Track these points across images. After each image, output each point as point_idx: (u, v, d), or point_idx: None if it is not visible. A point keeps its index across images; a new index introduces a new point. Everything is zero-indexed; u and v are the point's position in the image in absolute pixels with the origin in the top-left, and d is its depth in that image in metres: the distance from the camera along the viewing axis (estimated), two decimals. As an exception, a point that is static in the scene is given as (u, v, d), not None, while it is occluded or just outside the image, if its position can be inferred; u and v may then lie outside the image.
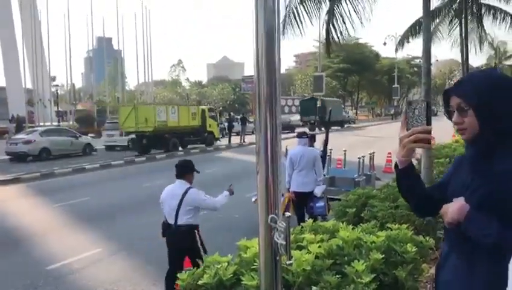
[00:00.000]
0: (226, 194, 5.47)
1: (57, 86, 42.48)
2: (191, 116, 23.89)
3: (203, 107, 28.02)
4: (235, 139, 27.51)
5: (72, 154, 21.38)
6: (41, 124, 38.42)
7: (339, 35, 9.94)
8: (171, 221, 4.92)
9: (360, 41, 64.57)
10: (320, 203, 7.30)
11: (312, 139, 8.05)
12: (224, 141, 28.06)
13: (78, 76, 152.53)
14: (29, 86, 48.15)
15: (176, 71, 77.20)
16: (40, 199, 11.94)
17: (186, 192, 4.88)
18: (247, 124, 28.12)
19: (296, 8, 9.79)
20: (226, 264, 3.07)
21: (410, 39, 15.93)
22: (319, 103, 35.26)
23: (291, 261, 2.38)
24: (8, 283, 5.99)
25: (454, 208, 1.64)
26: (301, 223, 4.63)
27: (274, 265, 2.14)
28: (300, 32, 10.04)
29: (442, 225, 4.91)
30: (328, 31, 9.96)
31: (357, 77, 69.32)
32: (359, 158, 10.81)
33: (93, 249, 7.28)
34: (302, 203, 7.30)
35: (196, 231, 4.96)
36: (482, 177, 1.67)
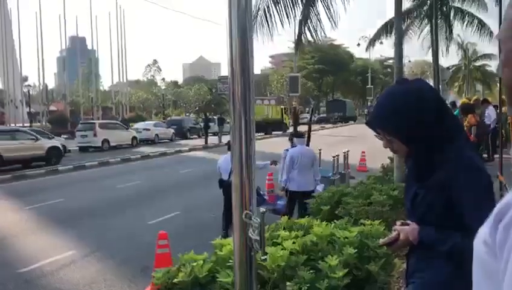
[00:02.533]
0: (267, 162, 7.57)
1: (29, 86, 41.57)
2: (276, 112, 37.45)
3: (282, 106, 40.89)
4: (212, 140, 27.45)
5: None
6: (13, 125, 37.46)
7: (313, 34, 10.05)
8: (226, 177, 7.05)
9: (335, 42, 65.37)
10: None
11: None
12: (200, 141, 27.98)
13: (51, 76, 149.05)
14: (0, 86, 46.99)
15: (151, 71, 76.46)
16: (11, 202, 11.65)
17: None
18: (224, 124, 28.09)
19: (268, 8, 9.79)
20: (202, 262, 3.08)
21: (383, 40, 16.24)
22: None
23: (265, 257, 2.42)
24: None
25: (406, 233, 1.77)
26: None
27: (249, 261, 2.17)
28: (270, 33, 10.03)
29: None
30: (300, 31, 10.04)
31: (331, 78, 70.08)
32: (334, 157, 10.94)
33: (66, 251, 7.14)
34: (296, 201, 7.35)
35: None
36: (425, 187, 1.75)
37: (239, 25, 2.09)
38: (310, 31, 9.63)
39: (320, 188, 7.54)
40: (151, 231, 8.16)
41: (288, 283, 2.75)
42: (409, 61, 72.80)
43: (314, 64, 64.96)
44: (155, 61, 78.88)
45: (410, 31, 16.12)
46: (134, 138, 26.85)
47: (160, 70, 78.84)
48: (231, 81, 2.17)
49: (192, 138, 32.98)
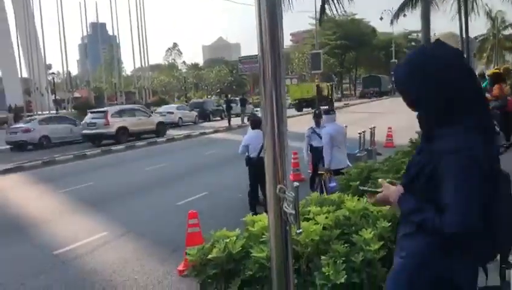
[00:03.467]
0: None
1: (53, 74, 42.16)
2: (326, 89, 39.92)
3: (330, 83, 44.28)
4: (235, 121, 27.49)
5: (73, 142, 21.34)
6: (40, 112, 38.32)
7: (336, 7, 9.95)
8: (255, 155, 7.12)
9: (356, 17, 64.00)
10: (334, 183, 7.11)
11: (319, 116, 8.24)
12: (223, 123, 28.05)
13: (73, 63, 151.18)
14: (25, 75, 47.93)
15: (172, 55, 76.66)
16: (43, 186, 11.99)
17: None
18: (246, 105, 28.05)
19: None
20: (235, 238, 3.09)
21: (407, 12, 15.76)
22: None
23: (300, 231, 2.41)
24: (15, 269, 6.03)
25: (389, 192, 1.84)
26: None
27: (284, 235, 2.16)
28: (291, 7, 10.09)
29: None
30: (323, 3, 9.93)
31: (354, 54, 68.85)
32: (360, 134, 10.81)
33: (99, 232, 7.32)
34: None
35: None
36: (420, 156, 1.79)
37: (268, 1, 2.06)
38: (333, 2, 9.51)
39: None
40: (181, 211, 8.28)
41: (322, 257, 2.74)
42: (434, 34, 70.89)
43: (336, 40, 63.87)
44: (175, 45, 79.16)
45: (436, 1, 15.62)
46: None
47: (181, 53, 79.10)
48: (261, 57, 2.14)
49: (215, 120, 33.09)
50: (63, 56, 44.40)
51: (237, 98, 31.36)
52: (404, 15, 17.15)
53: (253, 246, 2.99)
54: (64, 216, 8.74)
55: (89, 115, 21.51)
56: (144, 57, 47.33)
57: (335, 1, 9.71)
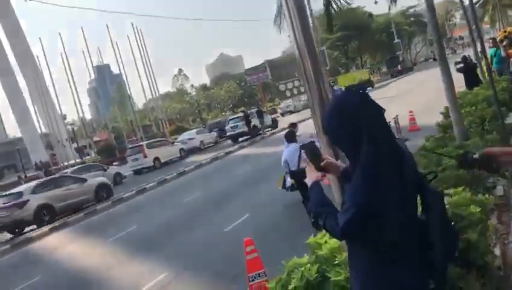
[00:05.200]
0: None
1: (72, 124, 43.14)
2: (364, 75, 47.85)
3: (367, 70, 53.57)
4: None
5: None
6: (66, 163, 39.26)
7: (339, 4, 10.19)
8: (295, 168, 6.94)
9: (352, 6, 63.85)
10: None
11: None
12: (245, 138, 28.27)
13: (85, 108, 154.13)
14: (42, 129, 49.13)
15: (179, 80, 77.60)
16: (91, 238, 12.37)
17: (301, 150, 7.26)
18: (263, 115, 28.23)
19: None
20: (309, 265, 3.26)
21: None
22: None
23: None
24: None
25: (311, 174, 2.12)
26: None
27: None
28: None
29: (488, 175, 4.99)
30: (328, 3, 10.16)
31: (356, 42, 68.60)
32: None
33: (158, 275, 7.51)
34: None
35: None
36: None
37: (295, 3, 2.28)
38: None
39: None
40: (230, 238, 8.50)
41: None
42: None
43: (335, 32, 63.76)
44: (180, 70, 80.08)
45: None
46: (181, 149, 27.71)
47: (187, 77, 79.91)
48: (299, 57, 2.36)
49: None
50: (76, 104, 45.50)
51: (253, 111, 31.52)
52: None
53: (328, 270, 3.16)
54: (120, 263, 9.01)
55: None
56: (153, 88, 48.13)
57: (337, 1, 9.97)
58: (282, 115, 44.36)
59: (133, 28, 46.71)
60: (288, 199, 9.57)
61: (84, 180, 18.30)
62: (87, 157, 43.56)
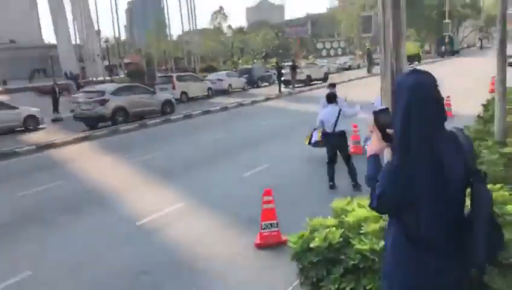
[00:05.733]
0: (358, 108, 8.05)
1: (107, 41, 43.17)
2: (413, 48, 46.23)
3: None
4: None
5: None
6: (94, 78, 39.69)
7: None
8: (330, 130, 7.54)
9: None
10: None
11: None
12: (272, 90, 28.09)
13: (121, 29, 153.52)
14: (77, 41, 49.32)
15: (218, 18, 76.23)
16: (113, 156, 12.73)
17: (339, 112, 7.52)
18: (296, 71, 27.85)
19: None
20: (334, 229, 3.33)
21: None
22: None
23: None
24: (103, 240, 6.56)
25: (377, 143, 2.03)
26: None
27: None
28: None
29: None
30: None
31: (405, 13, 65.96)
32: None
33: (175, 203, 7.77)
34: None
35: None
36: None
37: None
38: None
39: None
40: (248, 183, 8.72)
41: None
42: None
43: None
44: (221, 8, 78.47)
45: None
46: (209, 88, 27.73)
47: (226, 16, 78.45)
48: (382, 15, 2.31)
49: (263, 86, 33.18)
50: (114, 22, 45.64)
51: (288, 64, 30.98)
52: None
53: (353, 237, 3.23)
54: (139, 187, 9.31)
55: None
56: (192, 21, 47.62)
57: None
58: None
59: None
60: (312, 156, 9.74)
61: (154, 92, 20.68)
62: (116, 76, 43.84)
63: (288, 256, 5.36)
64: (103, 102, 17.65)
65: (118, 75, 45.39)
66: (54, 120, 21.37)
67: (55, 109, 22.28)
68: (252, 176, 9.20)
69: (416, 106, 1.80)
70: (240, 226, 6.64)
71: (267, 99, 24.61)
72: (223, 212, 7.25)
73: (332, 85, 9.45)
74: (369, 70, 35.89)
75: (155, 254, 5.92)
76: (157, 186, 9.14)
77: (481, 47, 71.55)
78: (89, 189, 9.41)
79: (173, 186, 9.00)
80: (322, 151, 10.67)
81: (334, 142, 7.67)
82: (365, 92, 8.41)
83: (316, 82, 30.61)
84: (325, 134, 7.82)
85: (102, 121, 18.10)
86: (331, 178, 7.74)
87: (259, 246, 5.80)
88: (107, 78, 40.25)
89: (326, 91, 8.66)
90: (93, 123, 17.87)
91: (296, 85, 28.49)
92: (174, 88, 24.67)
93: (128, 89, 19.59)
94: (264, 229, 5.87)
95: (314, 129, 9.32)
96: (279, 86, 26.88)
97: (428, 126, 1.81)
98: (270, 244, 5.77)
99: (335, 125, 7.54)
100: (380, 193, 1.88)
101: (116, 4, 43.73)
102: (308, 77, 30.56)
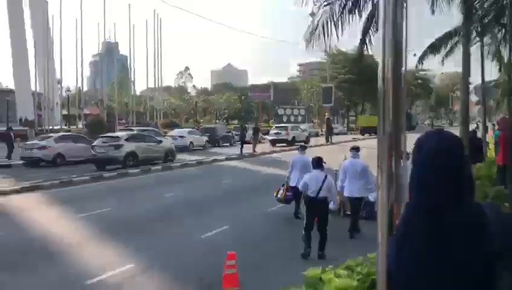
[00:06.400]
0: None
1: (69, 90, 42.45)
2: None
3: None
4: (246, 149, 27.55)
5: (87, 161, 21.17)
6: (51, 127, 38.51)
7: (371, 48, 10.52)
8: (313, 195, 7.30)
9: (366, 52, 64.67)
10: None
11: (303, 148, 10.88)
12: (232, 150, 28.10)
13: (84, 80, 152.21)
14: (35, 88, 48.19)
15: (183, 78, 77.41)
16: (62, 209, 11.95)
17: (325, 177, 7.45)
18: (259, 133, 28.14)
19: (327, 22, 10.28)
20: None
21: (417, 52, 16.24)
22: None
23: None
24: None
25: None
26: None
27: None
28: (326, 45, 10.76)
29: None
30: (362, 44, 10.51)
31: (361, 88, 69.31)
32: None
33: (125, 264, 7.21)
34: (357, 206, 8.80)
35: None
36: None
37: (394, 32, 2.05)
38: (369, 43, 10.23)
39: (372, 196, 8.74)
40: (205, 245, 8.30)
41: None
42: (442, 73, 71.55)
43: (344, 74, 64.49)
44: (187, 68, 79.97)
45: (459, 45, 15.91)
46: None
47: (192, 77, 79.84)
48: (382, 86, 2.11)
49: (224, 146, 33.19)
50: (77, 73, 44.89)
51: (251, 126, 31.40)
52: (414, 54, 17.48)
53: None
54: (88, 243, 8.66)
55: None
56: (158, 78, 47.87)
57: (368, 43, 10.31)
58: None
59: (154, 14, 46.69)
60: (276, 219, 9.60)
61: (161, 141, 22.55)
62: (74, 127, 42.79)
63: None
64: (118, 147, 19.59)
65: (75, 125, 44.32)
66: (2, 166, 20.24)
67: (9, 155, 21.22)
68: (210, 237, 8.80)
69: (436, 163, 1.58)
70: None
71: (227, 159, 24.49)
72: (176, 277, 6.76)
73: (356, 149, 9.21)
74: (327, 139, 36.77)
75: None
76: (108, 245, 8.51)
77: (432, 125, 75.69)
78: (34, 242, 8.64)
79: (124, 245, 8.37)
80: (286, 215, 10.47)
81: (316, 207, 7.40)
82: (327, 159, 8.45)
83: (299, 143, 31.02)
84: (306, 198, 7.57)
85: (113, 164, 19.52)
86: (308, 245, 7.31)
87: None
88: (64, 127, 39.16)
89: (292, 155, 8.75)
90: (104, 164, 19.48)
91: (278, 144, 31.45)
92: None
93: (140, 137, 21.90)
94: (225, 295, 5.48)
95: (283, 185, 10.35)
96: (241, 148, 26.93)
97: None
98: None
99: (319, 190, 7.35)
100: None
101: (81, 55, 43.20)
102: (293, 138, 33.04)
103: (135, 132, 24.79)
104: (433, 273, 1.52)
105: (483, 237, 1.49)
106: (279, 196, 10.34)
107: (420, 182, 1.61)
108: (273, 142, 32.99)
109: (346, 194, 8.87)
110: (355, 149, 9.15)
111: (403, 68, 2.15)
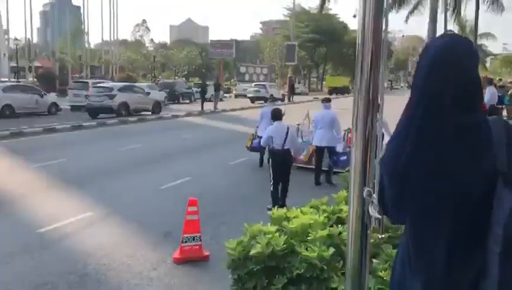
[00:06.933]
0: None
1: (16, 40, 39.92)
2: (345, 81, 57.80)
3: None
4: (207, 106, 27.17)
5: (37, 113, 20.46)
6: (-2, 79, 36.35)
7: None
8: (278, 147, 7.06)
9: (330, 12, 64.34)
10: (344, 157, 9.13)
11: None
12: (193, 107, 27.67)
13: (33, 31, 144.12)
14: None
15: (140, 31, 74.51)
16: (14, 159, 11.39)
17: (288, 130, 7.22)
18: (220, 90, 27.69)
19: None
20: (278, 234, 3.00)
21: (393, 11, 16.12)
22: None
23: (383, 236, 2.35)
24: (2, 246, 5.70)
25: None
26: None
27: (365, 239, 2.09)
28: None
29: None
30: None
31: (324, 49, 69.26)
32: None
33: (83, 212, 7.02)
34: (322, 156, 9.06)
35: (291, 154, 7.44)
36: None
37: None
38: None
39: (339, 146, 9.24)
40: (165, 195, 8.19)
41: (375, 261, 2.71)
42: (403, 36, 72.60)
43: (308, 33, 64.03)
44: (144, 21, 76.81)
45: (421, 6, 16.02)
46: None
47: (149, 30, 76.94)
48: (361, 47, 2.01)
49: (184, 103, 32.57)
50: (26, 23, 42.22)
51: (211, 83, 30.84)
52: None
53: (297, 244, 2.92)
54: (42, 192, 8.35)
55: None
56: (113, 31, 45.83)
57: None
58: (236, 96, 43.85)
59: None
60: (235, 172, 9.55)
61: (149, 93, 23.98)
62: (23, 80, 40.55)
63: (212, 272, 5.01)
64: (112, 96, 20.64)
65: (25, 78, 42.02)
66: None
67: None
68: (171, 188, 8.66)
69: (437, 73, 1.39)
70: (155, 239, 6.07)
71: (188, 115, 24.08)
72: (136, 224, 6.61)
73: (327, 100, 9.44)
74: (289, 98, 36.80)
75: (58, 264, 5.16)
76: (63, 193, 8.23)
77: (391, 88, 77.25)
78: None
79: (81, 194, 8.14)
80: (247, 167, 10.48)
81: (282, 160, 7.17)
82: (288, 117, 8.53)
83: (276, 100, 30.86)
84: (271, 151, 7.24)
85: (106, 112, 20.51)
86: (276, 201, 6.98)
87: (179, 261, 5.29)
88: (13, 79, 37.09)
89: (249, 113, 8.70)
90: (97, 113, 20.49)
91: (257, 102, 31.97)
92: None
93: (130, 88, 23.03)
94: (185, 242, 5.38)
95: (254, 135, 10.72)
96: (202, 104, 26.47)
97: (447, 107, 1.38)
98: (192, 259, 5.29)
99: (284, 142, 7.13)
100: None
101: (30, 5, 40.41)
102: (271, 95, 31.57)
103: (127, 83, 25.91)
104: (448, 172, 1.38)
105: (487, 152, 1.37)
106: (248, 145, 10.82)
107: (428, 82, 1.41)
108: (252, 100, 34.45)
109: (314, 143, 9.09)
110: (327, 100, 9.36)
111: (384, 26, 2.01)
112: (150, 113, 22.70)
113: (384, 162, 1.57)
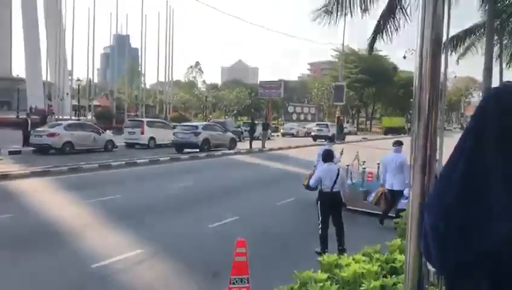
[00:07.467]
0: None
1: (79, 80, 42.56)
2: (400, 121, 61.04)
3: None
4: (255, 144, 27.44)
5: (94, 150, 21.43)
6: (60, 117, 38.65)
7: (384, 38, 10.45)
8: (328, 189, 7.01)
9: (379, 53, 64.27)
10: (406, 201, 8.53)
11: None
12: (241, 145, 28.01)
13: (94, 71, 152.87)
14: (48, 78, 48.48)
15: (193, 73, 77.40)
16: (71, 194, 11.89)
17: (339, 172, 7.23)
18: (268, 129, 27.93)
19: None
20: (329, 284, 2.94)
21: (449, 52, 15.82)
22: None
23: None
24: (55, 281, 5.90)
25: None
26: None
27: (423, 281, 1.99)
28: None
29: None
30: (374, 38, 10.37)
31: (373, 89, 68.87)
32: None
33: (134, 249, 7.16)
34: (395, 199, 8.95)
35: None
36: None
37: (433, 31, 1.93)
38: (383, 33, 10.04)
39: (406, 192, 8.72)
40: (214, 234, 8.21)
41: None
42: (455, 76, 70.91)
43: (356, 73, 64.09)
44: (197, 63, 79.86)
45: (473, 47, 15.67)
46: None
47: (202, 72, 79.78)
48: (418, 89, 2.01)
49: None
50: (88, 64, 44.97)
51: (260, 122, 31.25)
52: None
53: (350, 294, 2.84)
54: (96, 228, 8.62)
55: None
56: (168, 72, 47.82)
57: (385, 32, 10.13)
58: (283, 135, 44.11)
59: (166, 5, 46.62)
60: (285, 212, 9.37)
61: (226, 131, 26.03)
62: (83, 117, 42.88)
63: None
64: (197, 134, 23.04)
65: (85, 116, 44.43)
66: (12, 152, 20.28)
67: (26, 141, 21.28)
68: (219, 227, 8.71)
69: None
70: (201, 278, 6.08)
71: (236, 153, 24.39)
72: (184, 263, 6.66)
73: (399, 143, 9.34)
74: (339, 138, 36.58)
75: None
76: (116, 230, 8.44)
77: (443, 129, 74.67)
78: (43, 225, 8.59)
79: (132, 231, 8.29)
80: (295, 208, 10.38)
81: (332, 202, 7.12)
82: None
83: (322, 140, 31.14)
84: (321, 193, 7.19)
85: (191, 147, 22.91)
86: (325, 245, 6.86)
87: (228, 303, 5.24)
88: (74, 117, 39.27)
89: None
90: (183, 148, 22.91)
91: (319, 140, 31.77)
92: (142, 133, 24.11)
93: (211, 127, 25.55)
94: (233, 284, 5.34)
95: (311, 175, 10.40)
96: (250, 143, 26.79)
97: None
98: (239, 301, 5.23)
99: (333, 184, 7.08)
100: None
101: (93, 46, 43.24)
102: (333, 135, 32.27)
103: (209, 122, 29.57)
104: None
105: None
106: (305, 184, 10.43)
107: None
108: (315, 138, 36.55)
109: (387, 187, 9.04)
110: (399, 143, 9.26)
111: (442, 66, 2.01)
112: (228, 149, 24.65)
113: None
